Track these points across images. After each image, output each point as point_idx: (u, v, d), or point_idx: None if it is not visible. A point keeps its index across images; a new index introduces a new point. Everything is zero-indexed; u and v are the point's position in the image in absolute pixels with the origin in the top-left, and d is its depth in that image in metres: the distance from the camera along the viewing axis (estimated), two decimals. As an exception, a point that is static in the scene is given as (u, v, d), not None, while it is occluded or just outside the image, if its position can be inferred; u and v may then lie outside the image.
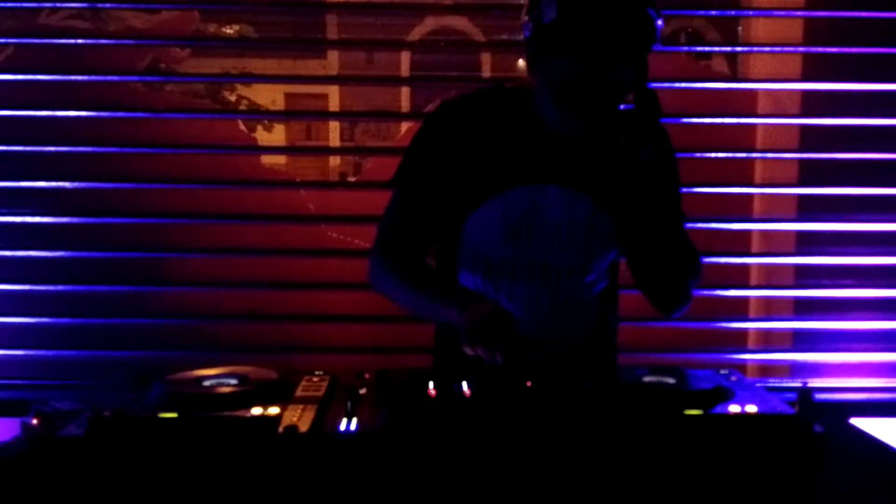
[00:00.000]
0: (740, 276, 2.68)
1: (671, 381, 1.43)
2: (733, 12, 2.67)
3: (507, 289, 1.67)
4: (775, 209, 2.64)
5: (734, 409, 1.31)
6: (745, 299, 2.70)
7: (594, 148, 1.60)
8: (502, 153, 1.64)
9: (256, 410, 1.30)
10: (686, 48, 2.74)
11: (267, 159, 2.72)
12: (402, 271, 1.67)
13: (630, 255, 1.70)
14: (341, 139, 3.25)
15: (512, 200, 1.63)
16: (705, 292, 2.59)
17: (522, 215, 1.63)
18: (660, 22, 1.51)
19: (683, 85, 2.57)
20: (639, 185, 1.59)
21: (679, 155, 2.53)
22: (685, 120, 2.56)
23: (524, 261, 1.66)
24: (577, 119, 1.52)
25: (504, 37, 2.94)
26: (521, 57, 3.19)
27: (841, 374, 2.64)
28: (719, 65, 2.79)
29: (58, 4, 2.58)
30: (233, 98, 3.10)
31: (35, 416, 1.41)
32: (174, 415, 1.26)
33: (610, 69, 1.47)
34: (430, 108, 2.62)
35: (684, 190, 2.54)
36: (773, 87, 2.61)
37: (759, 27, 2.65)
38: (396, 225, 1.70)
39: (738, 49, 2.73)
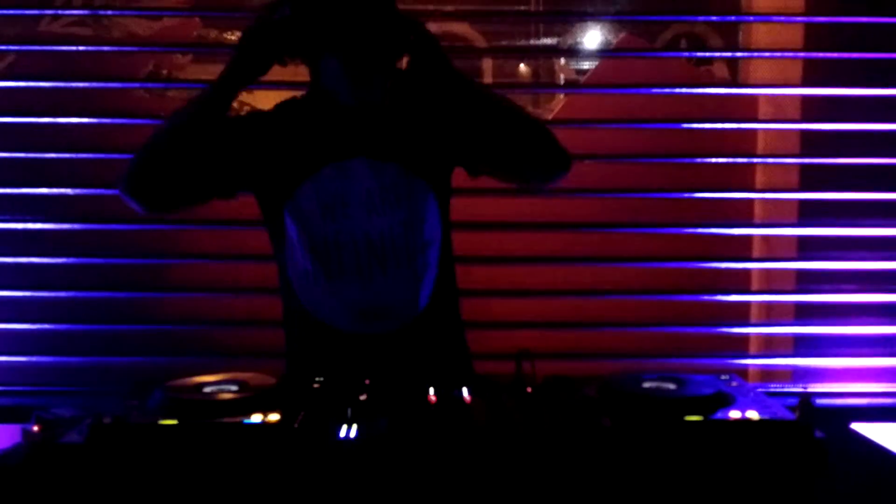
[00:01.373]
0: (741, 281, 2.68)
1: (671, 386, 1.42)
2: (734, 18, 2.68)
3: (336, 265, 1.73)
4: (776, 214, 2.64)
5: (735, 414, 1.31)
6: (747, 304, 2.70)
7: (387, 115, 1.77)
8: (304, 140, 1.77)
9: (256, 417, 1.30)
10: (687, 54, 2.75)
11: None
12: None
13: (481, 149, 1.80)
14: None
15: (322, 179, 1.74)
16: (706, 297, 2.59)
17: (335, 191, 1.73)
18: None
19: (684, 90, 2.57)
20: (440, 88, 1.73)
21: (680, 160, 2.57)
22: (686, 125, 2.56)
23: (347, 234, 1.73)
24: (366, 87, 1.74)
25: (505, 42, 2.94)
26: (523, 62, 3.19)
27: (842, 379, 2.64)
28: (720, 70, 2.79)
29: (60, 12, 2.59)
30: (234, 104, 3.09)
31: (36, 423, 1.41)
32: (174, 421, 1.26)
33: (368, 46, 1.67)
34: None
35: (685, 195, 2.56)
36: (773, 92, 2.62)
37: (760, 32, 2.65)
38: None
39: (739, 54, 2.73)
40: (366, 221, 1.74)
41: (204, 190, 1.80)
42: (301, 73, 2.81)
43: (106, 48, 2.60)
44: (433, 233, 1.80)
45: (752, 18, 2.66)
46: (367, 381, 1.48)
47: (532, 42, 2.98)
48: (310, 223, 1.75)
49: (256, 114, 1.89)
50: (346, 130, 1.77)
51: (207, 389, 1.41)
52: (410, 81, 1.73)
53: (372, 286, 1.74)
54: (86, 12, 2.60)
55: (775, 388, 2.60)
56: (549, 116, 2.70)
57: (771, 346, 2.70)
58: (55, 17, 2.61)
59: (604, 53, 2.75)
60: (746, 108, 2.65)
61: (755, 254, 2.69)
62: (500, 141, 1.76)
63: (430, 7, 2.62)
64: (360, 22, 1.67)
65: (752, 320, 2.71)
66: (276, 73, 2.85)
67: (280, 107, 1.87)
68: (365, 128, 1.77)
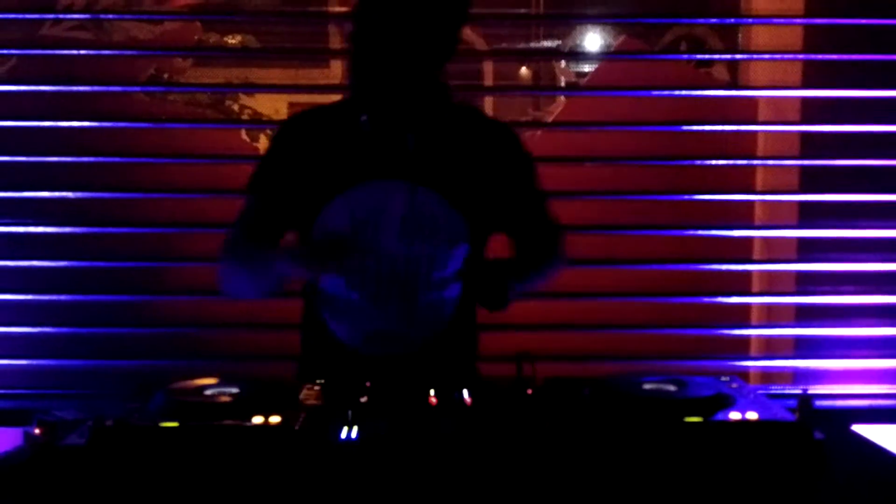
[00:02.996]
0: (742, 284, 2.68)
1: (672, 388, 1.43)
2: (733, 20, 2.68)
3: (358, 286, 1.72)
4: (776, 216, 2.64)
5: (735, 416, 1.31)
6: (747, 306, 2.70)
7: (441, 145, 1.72)
8: (347, 154, 1.71)
9: (257, 419, 1.30)
10: (686, 56, 2.75)
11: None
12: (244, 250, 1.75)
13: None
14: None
15: (358, 197, 1.70)
16: (707, 299, 2.60)
17: (369, 210, 1.69)
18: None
19: (684, 93, 2.58)
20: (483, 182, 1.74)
21: (680, 163, 2.57)
22: (686, 128, 2.56)
23: (373, 257, 1.70)
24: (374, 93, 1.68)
25: (505, 45, 2.94)
26: (523, 65, 3.18)
27: (843, 381, 2.64)
28: (720, 72, 2.79)
29: (61, 16, 2.59)
30: (235, 108, 3.09)
31: (37, 426, 1.41)
32: (176, 424, 1.26)
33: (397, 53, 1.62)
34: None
35: (685, 198, 2.56)
36: (773, 94, 2.62)
37: (760, 35, 2.65)
38: (243, 225, 1.77)
39: (739, 57, 2.73)
40: (394, 248, 1.70)
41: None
42: (302, 76, 2.82)
43: (107, 52, 2.61)
44: (459, 268, 1.77)
45: (751, 21, 2.66)
46: (367, 384, 1.49)
47: (532, 45, 2.99)
48: (339, 236, 1.71)
49: (295, 139, 1.80)
50: (389, 152, 1.71)
51: (208, 392, 1.42)
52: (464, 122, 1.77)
53: (382, 312, 1.73)
54: (87, 16, 2.60)
55: (776, 389, 2.60)
56: (550, 119, 2.71)
57: (771, 347, 2.70)
58: (57, 21, 2.61)
59: (604, 56, 2.76)
60: (746, 110, 2.66)
61: (755, 255, 2.69)
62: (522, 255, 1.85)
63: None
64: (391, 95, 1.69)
65: (753, 322, 2.71)
66: (276, 78, 2.87)
67: (316, 113, 1.84)
68: (408, 152, 1.71)
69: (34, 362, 2.59)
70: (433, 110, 1.74)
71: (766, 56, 2.63)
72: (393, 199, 1.69)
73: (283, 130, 1.84)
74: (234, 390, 1.41)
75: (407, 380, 1.64)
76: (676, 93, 2.56)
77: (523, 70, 3.54)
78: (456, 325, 1.80)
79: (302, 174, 1.74)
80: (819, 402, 1.30)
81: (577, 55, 2.82)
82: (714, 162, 2.56)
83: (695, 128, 2.56)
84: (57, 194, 2.53)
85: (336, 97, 3.93)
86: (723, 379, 1.54)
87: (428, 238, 1.70)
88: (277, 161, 1.80)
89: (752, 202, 2.67)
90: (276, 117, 3.22)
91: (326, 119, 1.79)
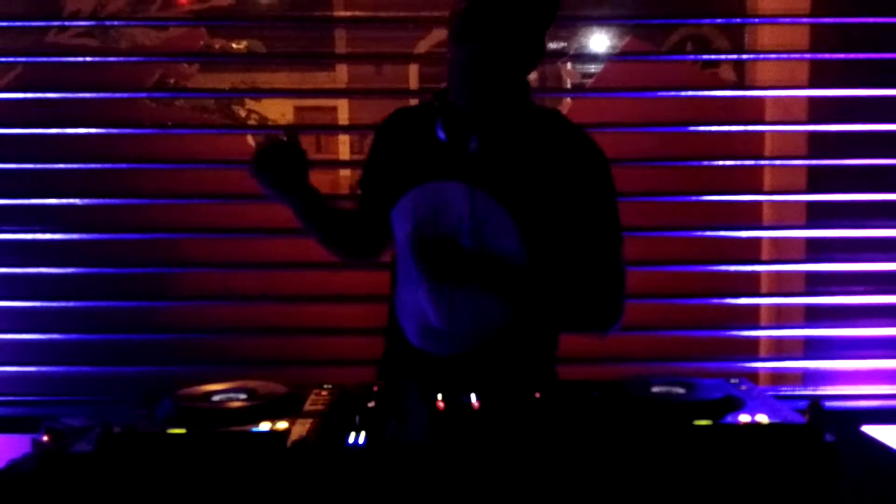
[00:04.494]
0: (751, 285, 2.67)
1: (681, 390, 1.42)
2: (740, 20, 2.67)
3: (418, 274, 1.75)
4: (785, 216, 2.63)
5: (744, 418, 1.31)
6: (756, 307, 2.69)
7: (507, 149, 1.73)
8: (418, 153, 1.79)
9: (265, 425, 1.30)
10: (693, 56, 2.74)
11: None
12: None
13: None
14: (351, 152, 3.25)
15: (422, 194, 1.77)
16: (715, 300, 2.59)
17: (430, 207, 1.76)
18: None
19: (691, 93, 2.57)
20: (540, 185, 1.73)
21: (688, 163, 2.56)
22: (693, 128, 2.56)
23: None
24: (464, 97, 1.71)
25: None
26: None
27: (853, 382, 2.62)
28: (726, 73, 2.79)
29: (67, 23, 2.60)
30: (242, 113, 3.10)
31: (46, 433, 1.41)
32: (183, 430, 1.26)
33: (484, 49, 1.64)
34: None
35: (693, 199, 2.55)
36: (780, 94, 2.61)
37: (766, 34, 2.64)
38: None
39: (745, 57, 2.73)
40: None
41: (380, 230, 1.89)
42: (308, 81, 2.82)
43: (113, 59, 2.61)
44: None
45: (758, 20, 2.66)
46: (375, 388, 1.49)
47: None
48: (405, 229, 1.79)
49: (385, 138, 1.90)
50: (452, 153, 1.74)
51: (216, 398, 1.42)
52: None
53: (438, 308, 1.75)
54: (93, 23, 2.61)
55: (786, 391, 2.59)
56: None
57: (781, 348, 2.69)
58: (62, 29, 2.62)
59: (610, 57, 2.75)
60: (753, 111, 2.65)
61: (764, 256, 2.68)
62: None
63: (435, 13, 2.62)
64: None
65: (762, 323, 2.70)
66: (282, 82, 2.87)
67: (400, 114, 1.91)
68: (477, 155, 1.73)
69: (42, 369, 2.59)
70: (506, 114, 1.74)
71: (773, 56, 2.62)
72: (452, 200, 1.74)
73: (378, 129, 1.93)
74: (242, 396, 1.42)
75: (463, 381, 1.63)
76: (683, 93, 2.56)
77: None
78: (511, 325, 1.78)
79: (385, 172, 1.85)
80: (829, 403, 1.29)
81: (583, 56, 2.81)
82: (722, 162, 2.55)
83: (702, 128, 2.55)
84: (64, 201, 2.54)
85: (342, 102, 3.95)
86: (732, 381, 1.53)
87: (482, 240, 1.72)
88: (371, 159, 1.93)
89: (760, 202, 2.66)
90: (282, 121, 3.23)
91: (413, 119, 1.86)
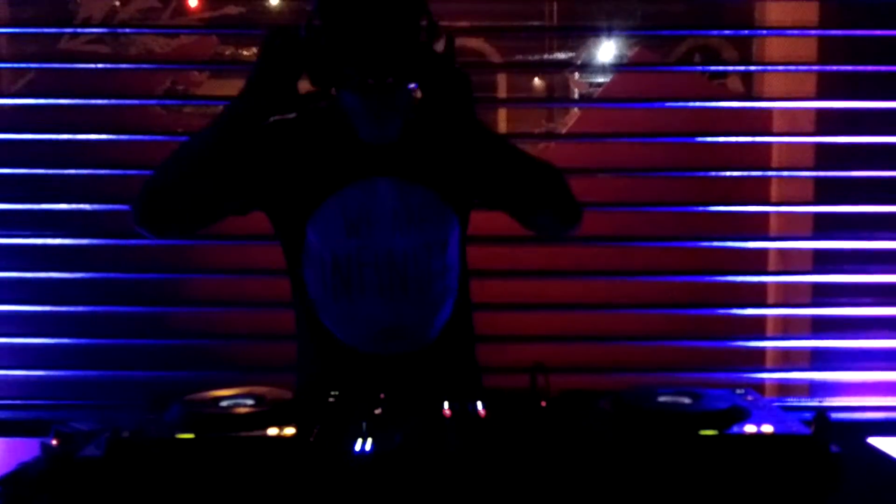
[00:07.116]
0: (757, 295, 2.68)
1: (687, 400, 1.42)
2: (747, 32, 2.68)
3: (357, 281, 1.73)
4: (792, 227, 2.64)
5: (750, 429, 1.31)
6: (763, 318, 2.69)
7: (415, 137, 1.74)
8: (332, 157, 1.74)
9: (273, 431, 1.30)
10: (701, 67, 2.75)
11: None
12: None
13: (496, 193, 1.76)
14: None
15: (348, 197, 1.72)
16: (722, 311, 2.59)
17: (360, 208, 1.72)
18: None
19: (698, 104, 2.57)
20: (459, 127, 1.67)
21: (695, 174, 2.57)
22: (700, 139, 2.56)
23: (370, 252, 1.72)
24: (382, 127, 1.72)
25: (520, 57, 2.95)
26: (537, 77, 3.17)
27: (859, 393, 2.62)
28: (734, 84, 2.80)
29: (79, 30, 2.62)
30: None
31: (55, 437, 1.42)
32: (192, 435, 1.26)
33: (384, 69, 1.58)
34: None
35: (700, 209, 2.56)
36: (788, 105, 2.61)
37: (774, 46, 2.65)
38: None
39: (753, 68, 2.73)
40: (390, 240, 1.72)
41: (218, 211, 1.76)
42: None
43: (124, 66, 2.64)
44: (454, 258, 1.80)
45: (766, 32, 2.66)
46: (381, 395, 1.49)
47: (546, 57, 3.00)
48: (332, 239, 1.72)
49: (277, 124, 1.75)
50: (371, 150, 1.74)
51: (224, 403, 1.42)
52: (425, 117, 1.73)
53: (392, 306, 1.73)
54: (104, 30, 2.63)
55: (792, 402, 2.59)
56: (564, 130, 2.71)
57: (787, 359, 2.69)
58: (74, 35, 2.64)
59: (618, 67, 2.76)
60: (761, 121, 2.65)
61: (771, 267, 2.69)
62: (512, 189, 1.72)
63: (445, 23, 2.63)
64: (378, 54, 1.59)
65: (769, 334, 2.70)
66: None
67: (304, 116, 1.81)
68: (392, 149, 1.74)
69: (51, 373, 2.60)
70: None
71: (781, 67, 2.63)
72: (381, 196, 1.72)
73: (279, 121, 1.79)
74: (250, 402, 1.42)
75: (411, 381, 1.67)
76: (691, 104, 2.56)
77: (537, 82, 3.55)
78: (456, 316, 1.82)
79: (288, 182, 1.75)
80: (835, 415, 1.29)
81: (591, 67, 2.83)
82: (729, 173, 2.56)
83: (709, 139, 2.56)
84: (74, 206, 2.55)
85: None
86: (738, 391, 1.53)
87: (420, 228, 1.73)
88: (266, 138, 1.76)
89: (767, 213, 2.67)
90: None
91: (304, 125, 1.78)
